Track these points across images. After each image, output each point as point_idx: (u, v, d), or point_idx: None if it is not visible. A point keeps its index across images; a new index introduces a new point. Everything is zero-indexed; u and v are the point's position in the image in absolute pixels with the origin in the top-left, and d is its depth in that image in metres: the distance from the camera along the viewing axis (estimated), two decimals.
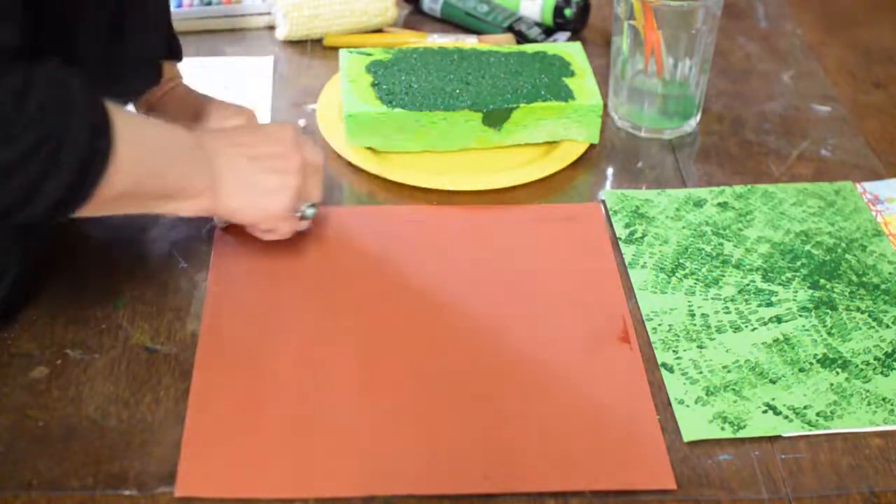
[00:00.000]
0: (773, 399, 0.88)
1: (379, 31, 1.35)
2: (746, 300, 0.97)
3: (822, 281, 0.99)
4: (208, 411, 0.85)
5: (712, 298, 0.97)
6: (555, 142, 1.15)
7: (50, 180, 0.75)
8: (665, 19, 1.11)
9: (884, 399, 0.89)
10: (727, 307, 0.97)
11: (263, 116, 1.19)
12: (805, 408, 0.87)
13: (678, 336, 0.94)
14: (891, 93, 1.29)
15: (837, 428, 0.86)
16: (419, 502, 0.80)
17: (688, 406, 0.87)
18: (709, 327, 0.95)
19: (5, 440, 0.83)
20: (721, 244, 1.03)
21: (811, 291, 0.98)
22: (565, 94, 1.13)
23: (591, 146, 1.15)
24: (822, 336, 0.94)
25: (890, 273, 1.01)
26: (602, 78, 1.20)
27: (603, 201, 1.08)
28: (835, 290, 0.99)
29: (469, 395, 0.88)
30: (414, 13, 1.40)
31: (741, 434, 0.85)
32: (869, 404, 0.88)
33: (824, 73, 1.31)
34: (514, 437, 0.85)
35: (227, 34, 1.34)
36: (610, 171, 1.14)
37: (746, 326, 0.95)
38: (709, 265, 1.01)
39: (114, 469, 0.81)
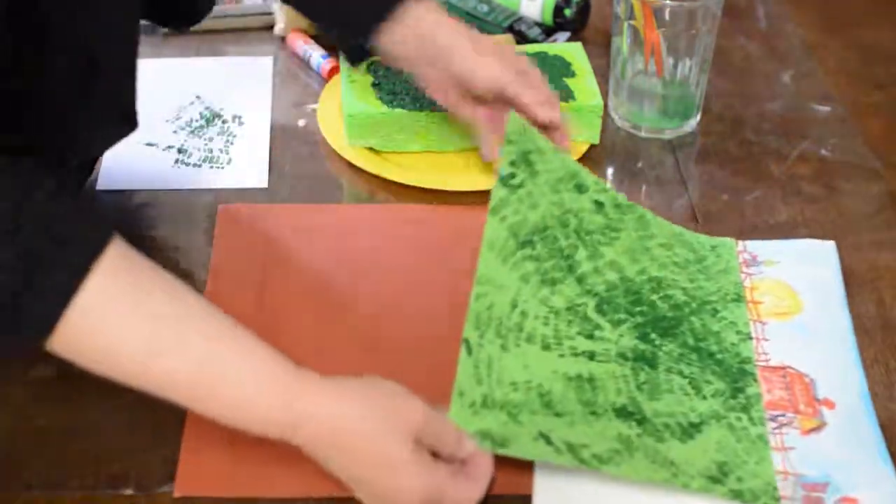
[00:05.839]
0: (551, 430, 0.79)
1: None
2: (570, 321, 0.88)
3: (653, 336, 0.90)
4: None
5: (540, 300, 0.88)
6: None
7: None
8: (665, 19, 1.11)
9: (671, 462, 0.79)
10: (548, 318, 0.87)
11: (263, 116, 1.19)
12: (582, 446, 0.78)
13: (491, 321, 0.83)
14: (891, 93, 1.28)
15: (609, 471, 0.77)
16: None
17: (469, 400, 0.80)
18: (521, 330, 0.85)
19: (5, 440, 0.83)
20: (576, 246, 0.93)
21: (636, 342, 0.89)
22: (565, 95, 1.13)
23: (591, 146, 1.15)
24: (629, 388, 0.85)
25: (732, 343, 0.90)
26: (602, 78, 1.20)
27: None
28: (662, 348, 0.89)
29: None
30: None
31: (502, 452, 0.77)
32: (653, 462, 0.79)
33: (824, 73, 1.31)
34: None
35: (227, 34, 1.34)
36: (610, 171, 1.14)
37: (557, 349, 0.86)
38: (555, 261, 0.91)
39: (114, 469, 0.81)
